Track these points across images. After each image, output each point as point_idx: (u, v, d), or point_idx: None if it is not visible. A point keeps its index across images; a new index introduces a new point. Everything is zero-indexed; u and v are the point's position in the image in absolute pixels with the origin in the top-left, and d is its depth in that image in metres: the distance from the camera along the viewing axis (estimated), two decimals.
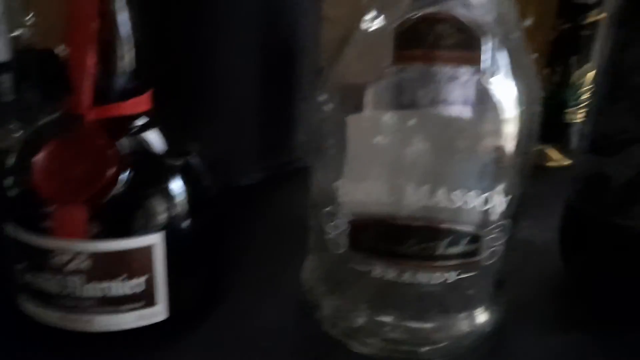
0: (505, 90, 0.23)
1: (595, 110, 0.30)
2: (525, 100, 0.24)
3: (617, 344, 0.28)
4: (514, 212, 0.26)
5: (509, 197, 0.24)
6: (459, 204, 0.23)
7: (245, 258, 0.34)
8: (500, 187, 0.24)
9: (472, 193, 0.23)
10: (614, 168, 0.28)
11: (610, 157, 0.28)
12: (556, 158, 0.52)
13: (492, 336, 0.28)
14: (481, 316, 0.27)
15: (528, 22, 0.51)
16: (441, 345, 0.26)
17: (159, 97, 0.27)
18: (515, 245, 0.27)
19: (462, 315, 0.27)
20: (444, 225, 0.24)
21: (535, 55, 0.50)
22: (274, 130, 0.45)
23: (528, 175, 0.26)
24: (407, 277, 0.24)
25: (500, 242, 0.25)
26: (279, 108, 0.44)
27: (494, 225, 0.25)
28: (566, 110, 0.50)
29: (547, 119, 0.51)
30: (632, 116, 0.27)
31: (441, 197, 0.23)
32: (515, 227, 0.26)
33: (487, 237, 0.24)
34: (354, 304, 0.27)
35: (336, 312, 0.27)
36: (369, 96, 0.24)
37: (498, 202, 0.24)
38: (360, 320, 0.26)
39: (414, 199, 0.23)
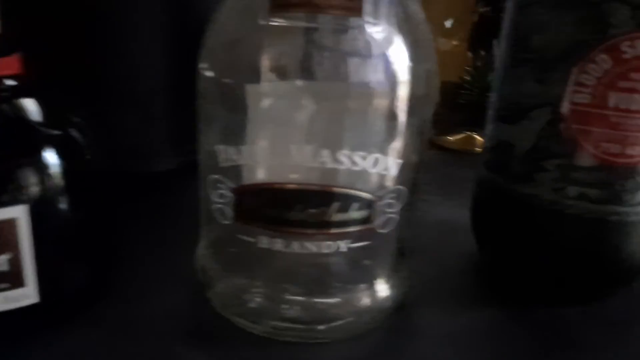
0: (394, 45, 0.22)
1: (499, 76, 0.29)
2: (417, 57, 0.23)
3: (528, 322, 0.27)
4: (412, 180, 0.24)
5: (402, 161, 0.23)
6: (346, 165, 0.22)
7: (148, 244, 0.32)
8: (392, 149, 0.23)
9: (361, 154, 0.22)
10: (517, 135, 0.27)
11: (514, 124, 0.27)
12: (482, 143, 0.51)
13: (396, 313, 0.27)
14: (382, 290, 0.26)
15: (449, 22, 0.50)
16: (340, 322, 0.25)
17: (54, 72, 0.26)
18: (416, 216, 0.26)
19: (362, 289, 0.25)
20: (333, 189, 0.22)
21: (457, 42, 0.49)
22: (189, 115, 0.43)
23: (426, 142, 0.25)
24: (295, 246, 0.23)
25: (395, 210, 0.24)
26: (194, 92, 0.42)
27: (387, 190, 0.23)
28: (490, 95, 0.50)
29: (472, 104, 0.50)
30: (533, 80, 0.26)
31: (327, 157, 0.22)
32: (414, 197, 0.25)
33: (381, 203, 0.23)
34: (247, 281, 0.25)
35: (229, 291, 0.25)
36: (251, 58, 0.22)
37: (390, 165, 0.23)
38: (254, 298, 0.25)
39: (299, 160, 0.22)
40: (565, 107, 0.25)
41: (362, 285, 0.25)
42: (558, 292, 0.28)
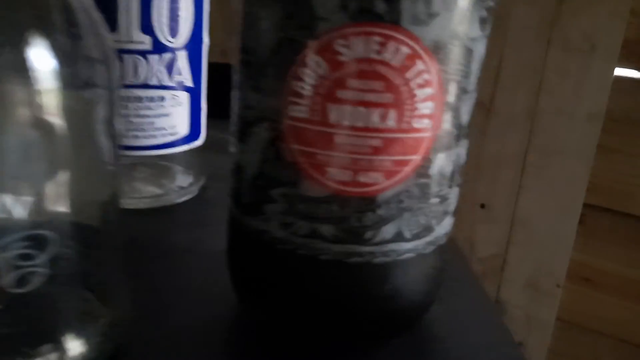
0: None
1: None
2: (71, 58, 0.17)
3: None
4: (76, 221, 0.19)
5: (36, 197, 0.17)
6: None
7: None
8: (18, 183, 0.17)
9: None
10: (245, 156, 0.22)
11: (242, 142, 0.22)
12: None
13: None
14: (74, 349, 0.20)
15: None
16: None
17: None
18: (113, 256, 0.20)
19: (43, 351, 0.19)
20: None
21: None
22: None
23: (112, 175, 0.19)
24: None
25: (39, 261, 0.18)
26: None
27: (14, 239, 0.17)
28: None
29: None
30: (251, 87, 0.21)
31: None
32: (102, 237, 0.19)
33: (5, 255, 0.17)
34: None
35: None
36: None
37: (10, 204, 0.17)
38: None
39: None
40: (283, 123, 0.20)
41: (44, 347, 0.20)
42: (311, 344, 0.23)
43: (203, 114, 0.35)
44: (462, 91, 0.20)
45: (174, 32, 0.32)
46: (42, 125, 0.17)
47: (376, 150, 0.19)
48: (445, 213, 0.22)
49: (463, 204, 0.74)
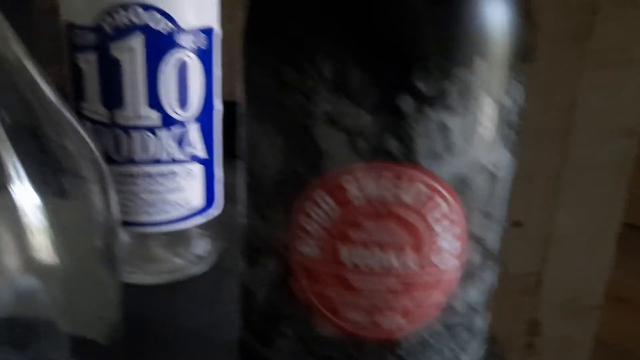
0: None
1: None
2: None
3: None
4: None
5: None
6: None
7: None
8: None
9: None
10: (253, 282, 0.20)
11: (251, 267, 0.20)
12: None
13: None
14: None
15: None
16: None
17: None
18: None
19: None
20: None
21: None
22: None
23: None
24: None
25: None
26: None
27: None
28: None
29: None
30: (258, 215, 0.19)
31: None
32: None
33: None
34: None
35: None
36: None
37: None
38: None
39: None
40: (292, 258, 0.18)
41: None
42: None
43: (218, 182, 0.34)
44: (487, 217, 0.18)
45: (183, 104, 0.30)
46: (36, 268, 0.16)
47: (394, 292, 0.17)
48: (475, 341, 0.20)
49: None
